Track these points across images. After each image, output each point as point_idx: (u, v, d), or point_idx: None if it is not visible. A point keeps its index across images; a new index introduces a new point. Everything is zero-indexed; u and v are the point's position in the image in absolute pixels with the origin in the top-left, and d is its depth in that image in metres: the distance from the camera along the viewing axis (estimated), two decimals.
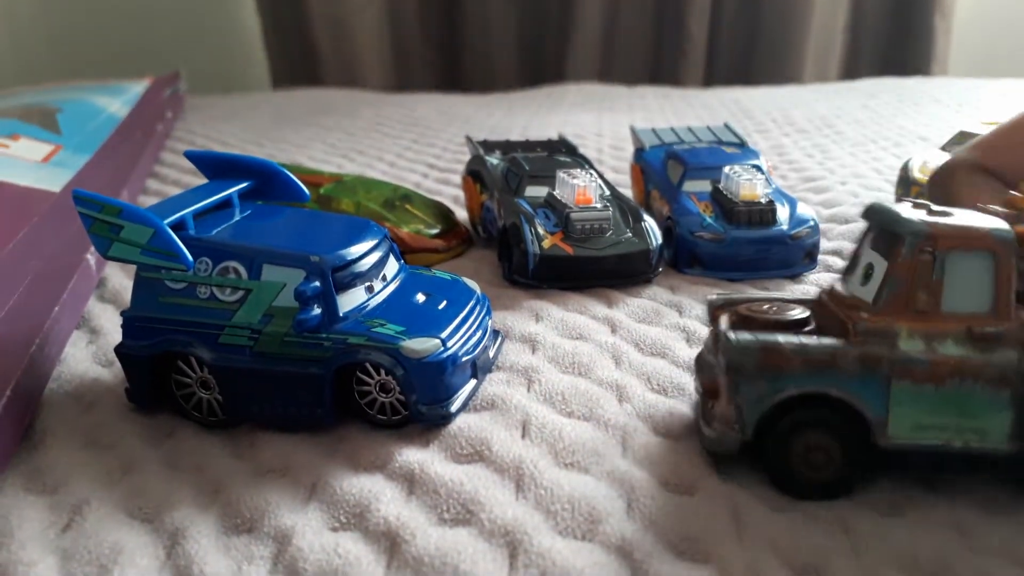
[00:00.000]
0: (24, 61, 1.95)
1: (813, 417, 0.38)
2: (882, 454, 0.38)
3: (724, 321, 0.41)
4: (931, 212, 0.38)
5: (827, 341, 0.38)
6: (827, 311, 0.40)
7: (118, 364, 0.46)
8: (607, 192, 0.65)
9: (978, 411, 0.36)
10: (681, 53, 1.94)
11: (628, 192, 0.79)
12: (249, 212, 0.47)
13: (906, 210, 0.38)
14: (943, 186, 0.54)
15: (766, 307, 0.41)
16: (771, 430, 0.38)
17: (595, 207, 0.61)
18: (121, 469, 0.41)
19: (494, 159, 0.71)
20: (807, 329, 0.40)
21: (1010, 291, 0.36)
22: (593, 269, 0.60)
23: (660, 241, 0.61)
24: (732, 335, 0.38)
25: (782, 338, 0.38)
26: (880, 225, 0.39)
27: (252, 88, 1.98)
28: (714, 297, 0.44)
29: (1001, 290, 0.36)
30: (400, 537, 0.35)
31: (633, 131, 0.79)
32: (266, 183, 0.49)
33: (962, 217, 0.38)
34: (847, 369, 0.37)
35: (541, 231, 0.60)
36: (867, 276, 0.39)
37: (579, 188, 0.61)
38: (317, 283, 0.41)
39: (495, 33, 1.99)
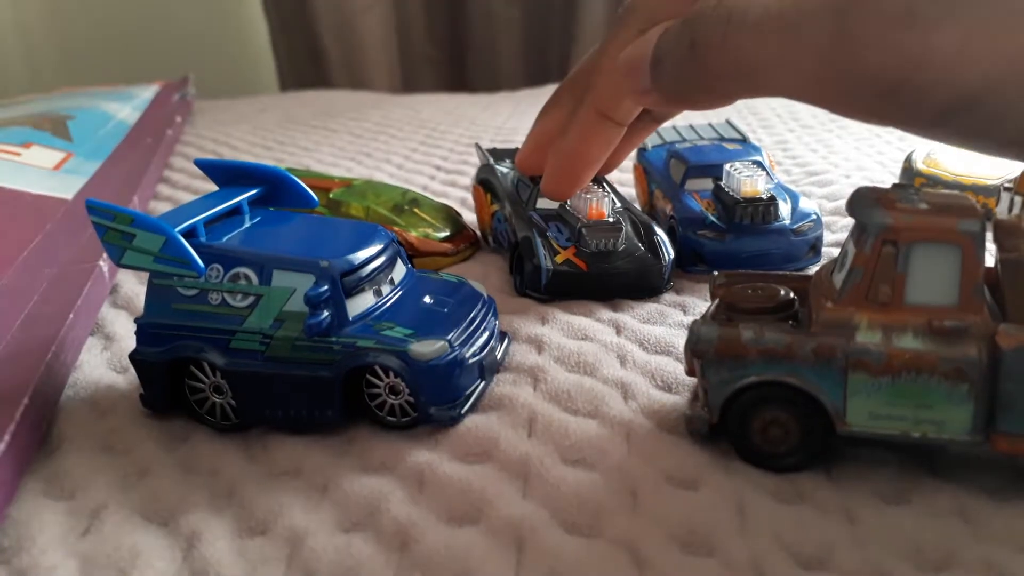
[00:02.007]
0: (34, 68, 1.97)
1: (772, 394, 0.39)
2: (843, 438, 0.39)
3: (711, 307, 0.43)
4: (898, 200, 0.37)
5: (786, 331, 0.39)
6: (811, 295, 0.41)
7: (133, 370, 0.46)
8: (619, 205, 0.65)
9: (935, 403, 0.36)
10: None
11: (631, 191, 0.80)
12: (259, 219, 0.48)
13: (877, 198, 0.38)
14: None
15: (750, 292, 0.42)
16: (733, 406, 0.40)
17: (607, 221, 0.60)
18: (137, 473, 0.42)
19: (504, 168, 0.71)
20: (791, 311, 0.41)
21: (976, 284, 0.36)
22: (606, 285, 0.59)
23: (673, 255, 0.60)
24: (696, 323, 0.40)
25: (743, 328, 0.39)
26: (851, 213, 0.39)
27: (260, 91, 2.00)
28: (715, 274, 0.46)
29: (967, 283, 0.36)
30: (410, 536, 0.36)
31: None
32: (275, 190, 0.50)
33: (934, 206, 0.37)
34: (803, 360, 0.38)
35: (553, 245, 0.60)
36: (842, 265, 0.39)
37: (591, 202, 0.61)
38: (326, 288, 0.42)
39: (500, 33, 1.99)
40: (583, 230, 0.59)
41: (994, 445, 0.37)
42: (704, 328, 0.40)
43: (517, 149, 0.76)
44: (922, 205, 0.37)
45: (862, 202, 0.38)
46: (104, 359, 0.53)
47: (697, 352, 0.40)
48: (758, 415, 0.40)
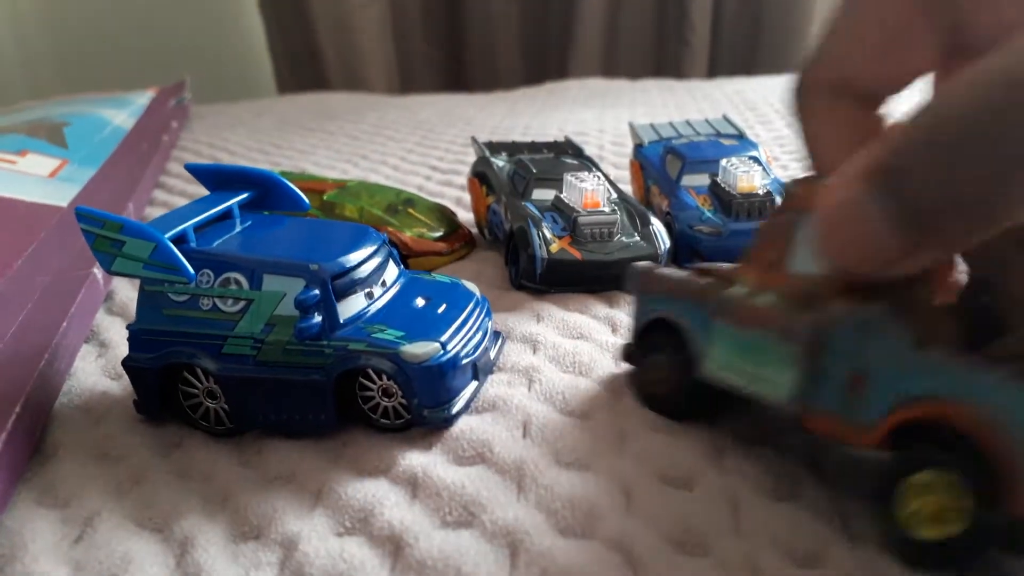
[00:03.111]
0: (32, 76, 1.97)
1: (661, 340, 0.43)
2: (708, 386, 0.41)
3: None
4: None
5: (686, 275, 0.42)
6: None
7: (127, 377, 0.46)
8: (614, 195, 0.65)
9: (769, 362, 0.37)
10: (684, 44, 1.94)
11: (628, 188, 0.80)
12: (249, 223, 0.48)
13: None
14: (796, 119, 0.39)
15: (721, 266, 0.44)
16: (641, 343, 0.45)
17: (603, 211, 0.61)
18: (131, 480, 0.41)
19: (500, 161, 0.71)
20: None
21: None
22: (601, 273, 0.59)
23: (668, 245, 0.61)
24: (634, 265, 0.45)
25: (663, 268, 0.44)
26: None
27: (259, 93, 2.00)
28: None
29: None
30: (404, 541, 0.36)
31: (632, 127, 0.79)
32: (266, 193, 0.50)
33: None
34: (688, 301, 0.41)
35: (548, 235, 0.60)
36: None
37: (587, 192, 0.61)
38: (316, 291, 0.42)
39: (498, 31, 1.99)
40: (578, 219, 0.60)
41: (805, 419, 0.37)
42: (635, 266, 0.45)
43: (513, 142, 0.76)
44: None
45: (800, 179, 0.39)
46: (99, 366, 0.53)
47: (627, 286, 0.45)
48: (650, 358, 0.44)
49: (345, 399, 0.44)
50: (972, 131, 0.27)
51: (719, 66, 1.99)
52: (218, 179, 0.50)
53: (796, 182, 0.38)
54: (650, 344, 0.44)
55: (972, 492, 0.30)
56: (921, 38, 0.34)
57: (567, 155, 0.74)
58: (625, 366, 0.49)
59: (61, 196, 0.77)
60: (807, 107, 0.38)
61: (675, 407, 0.43)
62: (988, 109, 0.26)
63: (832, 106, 0.37)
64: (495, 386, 0.47)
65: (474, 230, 0.74)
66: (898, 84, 0.34)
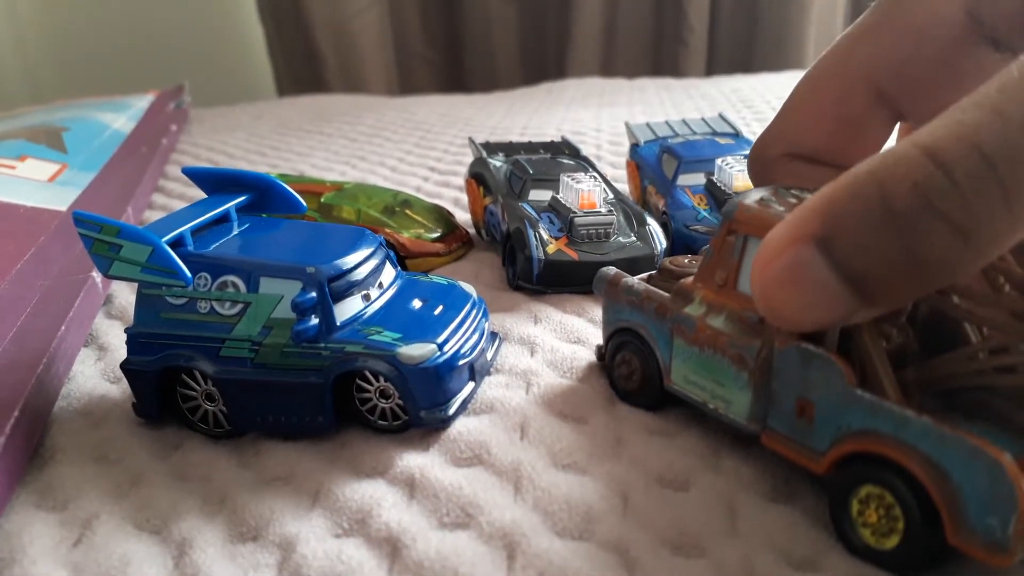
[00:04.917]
0: (32, 81, 1.97)
1: (631, 340, 0.45)
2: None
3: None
4: (768, 197, 0.38)
5: (646, 287, 0.44)
6: None
7: (125, 380, 0.46)
8: (611, 195, 0.65)
9: (725, 382, 0.38)
10: (682, 43, 1.94)
11: (625, 188, 0.80)
12: (247, 226, 0.48)
13: (759, 191, 0.39)
14: (753, 182, 0.45)
15: (686, 261, 0.46)
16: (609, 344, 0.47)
17: (599, 211, 0.61)
18: (130, 482, 0.42)
19: (497, 161, 0.71)
20: None
21: None
22: None
23: (664, 245, 0.61)
24: (603, 270, 0.47)
25: (627, 278, 0.45)
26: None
27: (258, 96, 2.00)
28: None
29: None
30: (401, 542, 0.36)
31: (628, 127, 0.79)
32: (263, 196, 0.50)
33: (788, 206, 0.37)
34: (648, 314, 0.43)
35: (545, 236, 0.60)
36: None
37: (583, 192, 0.61)
38: (313, 294, 0.42)
39: (496, 32, 1.99)
40: (575, 220, 0.60)
41: (764, 440, 0.37)
42: (603, 271, 0.46)
43: (510, 143, 0.76)
44: (777, 205, 0.38)
45: (743, 194, 0.39)
46: (98, 370, 0.53)
47: (597, 292, 0.47)
48: (620, 355, 0.45)
49: (342, 400, 0.44)
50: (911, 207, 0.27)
51: (716, 64, 1.99)
52: (215, 182, 0.51)
53: (737, 204, 0.38)
54: (621, 343, 0.45)
55: (905, 514, 0.32)
56: (875, 127, 0.38)
57: (564, 155, 0.74)
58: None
59: (60, 200, 0.78)
60: (763, 172, 0.42)
61: (648, 400, 0.45)
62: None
63: (787, 167, 0.41)
64: (493, 388, 0.47)
65: (471, 231, 0.74)
66: (849, 159, 0.34)
